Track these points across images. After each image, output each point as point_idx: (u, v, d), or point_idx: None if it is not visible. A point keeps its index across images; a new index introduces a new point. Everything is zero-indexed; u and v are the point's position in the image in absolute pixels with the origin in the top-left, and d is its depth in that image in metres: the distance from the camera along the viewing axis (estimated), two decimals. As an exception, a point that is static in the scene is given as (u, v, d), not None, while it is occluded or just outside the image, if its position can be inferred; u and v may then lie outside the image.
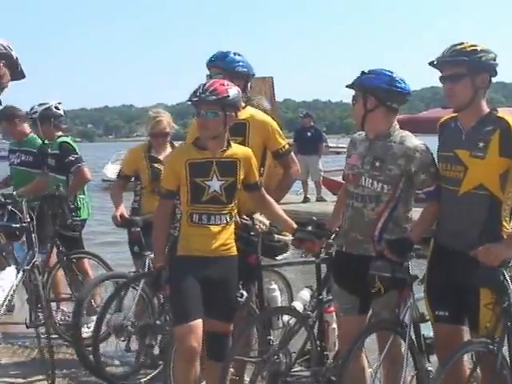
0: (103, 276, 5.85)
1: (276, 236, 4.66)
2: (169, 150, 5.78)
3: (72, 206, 6.09)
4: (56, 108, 6.69)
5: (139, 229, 5.44)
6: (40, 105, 6.66)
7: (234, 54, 4.71)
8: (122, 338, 5.31)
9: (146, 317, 5.34)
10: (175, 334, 4.08)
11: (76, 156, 6.52)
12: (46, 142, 6.73)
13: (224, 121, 4.05)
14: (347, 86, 4.09)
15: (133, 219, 5.57)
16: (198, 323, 3.99)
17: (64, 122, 6.87)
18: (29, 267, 5.03)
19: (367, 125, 4.06)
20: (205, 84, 4.06)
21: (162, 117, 5.85)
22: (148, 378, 5.29)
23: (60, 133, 6.68)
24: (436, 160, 3.99)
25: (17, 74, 4.59)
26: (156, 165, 5.67)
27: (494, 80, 3.87)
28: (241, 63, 4.68)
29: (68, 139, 6.70)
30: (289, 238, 4.71)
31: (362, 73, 4.03)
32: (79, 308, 5.38)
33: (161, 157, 5.71)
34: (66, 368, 5.59)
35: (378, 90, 3.97)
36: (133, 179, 5.94)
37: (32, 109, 6.73)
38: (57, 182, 6.40)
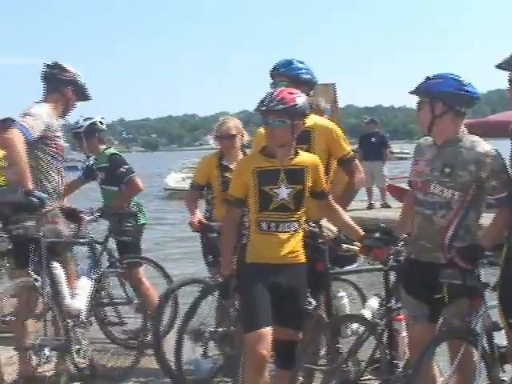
0: (183, 280, 5.81)
1: (345, 246, 4.63)
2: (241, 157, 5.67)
3: (133, 210, 6.42)
4: (100, 123, 6.87)
5: (216, 234, 5.35)
6: (85, 119, 6.79)
7: (298, 61, 4.75)
8: (200, 344, 5.34)
9: (225, 325, 5.36)
10: (245, 341, 4.10)
11: (127, 167, 6.61)
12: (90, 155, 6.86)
13: (292, 129, 4.06)
14: (412, 92, 4.03)
15: (210, 224, 5.51)
16: (268, 331, 3.99)
17: (106, 135, 7.01)
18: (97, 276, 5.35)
19: (435, 131, 3.99)
20: (272, 93, 4.08)
21: (227, 120, 5.84)
22: None
23: (103, 146, 6.81)
24: (509, 164, 3.91)
25: (83, 96, 5.43)
26: (227, 174, 5.57)
27: None
28: (304, 70, 4.71)
29: (116, 151, 6.87)
30: (359, 248, 4.69)
31: (427, 78, 3.98)
32: (159, 315, 5.40)
33: (232, 166, 5.55)
34: (143, 376, 5.66)
35: (446, 95, 3.91)
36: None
37: (77, 123, 6.89)
38: (109, 193, 6.61)
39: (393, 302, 4.51)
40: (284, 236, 4.10)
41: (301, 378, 4.58)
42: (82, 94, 5.47)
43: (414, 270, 4.08)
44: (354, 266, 4.85)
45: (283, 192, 4.09)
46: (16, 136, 4.80)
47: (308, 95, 4.61)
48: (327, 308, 4.61)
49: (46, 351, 4.75)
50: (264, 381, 4.04)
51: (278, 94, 4.05)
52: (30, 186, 4.78)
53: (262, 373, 4.01)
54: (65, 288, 4.99)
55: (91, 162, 6.90)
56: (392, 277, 4.54)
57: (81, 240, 5.39)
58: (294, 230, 4.13)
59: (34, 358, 4.78)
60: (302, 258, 4.20)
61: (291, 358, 4.18)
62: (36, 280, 4.74)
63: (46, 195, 4.86)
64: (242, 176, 4.14)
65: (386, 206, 15.89)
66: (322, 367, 4.57)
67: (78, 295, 5.12)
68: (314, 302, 4.45)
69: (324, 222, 4.51)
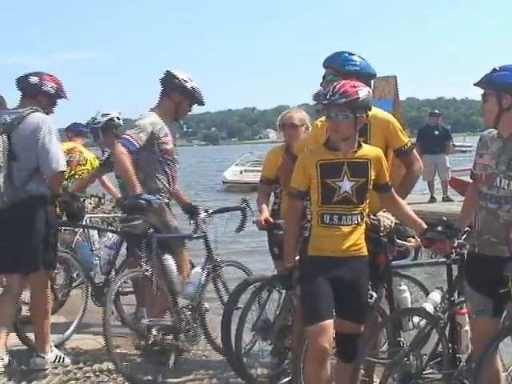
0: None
1: (398, 241, 4.61)
2: None
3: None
4: (117, 118, 7.08)
5: (282, 232, 5.32)
6: (103, 115, 6.99)
7: (349, 53, 4.71)
8: (269, 341, 5.38)
9: (284, 318, 5.39)
10: (307, 333, 4.12)
11: None
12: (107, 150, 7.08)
13: (354, 122, 4.06)
14: (476, 84, 3.98)
15: (277, 223, 5.45)
16: (330, 323, 4.01)
17: (121, 131, 7.05)
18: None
19: (502, 123, 3.93)
20: (335, 86, 4.07)
21: (293, 110, 5.81)
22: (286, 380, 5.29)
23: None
24: None
25: (194, 101, 5.84)
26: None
27: None
28: (352, 62, 4.66)
29: None
30: (410, 243, 4.67)
31: (494, 70, 3.92)
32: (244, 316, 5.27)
33: None
34: (212, 369, 5.74)
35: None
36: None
37: (95, 119, 7.05)
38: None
39: (455, 295, 4.49)
40: (346, 229, 4.10)
41: (362, 371, 4.58)
42: (192, 99, 5.81)
43: (478, 263, 4.05)
44: (409, 259, 4.80)
45: (346, 185, 4.09)
46: (119, 150, 5.49)
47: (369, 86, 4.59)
48: (389, 301, 4.61)
49: (154, 331, 5.31)
50: (325, 373, 4.05)
51: (341, 87, 4.04)
52: (138, 190, 5.42)
53: (323, 365, 4.03)
54: (175, 277, 5.58)
55: (107, 155, 7.18)
56: (455, 270, 4.53)
57: (195, 235, 5.85)
58: (357, 223, 4.13)
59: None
60: (364, 251, 4.20)
61: (353, 350, 4.17)
62: (146, 270, 5.34)
63: (153, 196, 5.44)
64: (305, 168, 4.15)
65: (447, 199, 15.71)
66: (383, 360, 4.55)
67: (190, 283, 5.65)
68: (375, 295, 4.43)
69: (381, 213, 4.50)
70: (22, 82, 5.44)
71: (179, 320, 5.52)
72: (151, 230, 5.43)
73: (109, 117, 7.00)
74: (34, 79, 5.41)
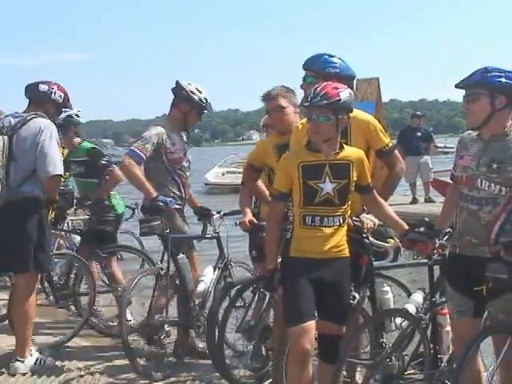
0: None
1: (377, 242, 4.63)
2: None
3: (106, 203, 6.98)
4: (76, 115, 7.13)
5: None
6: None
7: (329, 55, 4.71)
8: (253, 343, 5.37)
9: (267, 319, 5.41)
10: (289, 335, 4.12)
11: (106, 159, 7.01)
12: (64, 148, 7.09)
13: (336, 124, 4.06)
14: (464, 86, 3.96)
15: (261, 224, 5.30)
16: (311, 325, 4.02)
17: (80, 129, 7.31)
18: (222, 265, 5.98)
19: (490, 124, 3.92)
20: (316, 88, 4.08)
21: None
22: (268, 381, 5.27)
23: (78, 139, 7.12)
24: None
25: (202, 111, 6.06)
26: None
27: None
28: (332, 64, 4.65)
29: (93, 144, 7.25)
30: (389, 245, 4.69)
31: (486, 70, 3.90)
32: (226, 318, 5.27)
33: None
34: (195, 370, 5.73)
35: (509, 88, 3.86)
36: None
37: None
38: (88, 185, 7.06)
39: (437, 296, 4.51)
40: (328, 230, 4.11)
41: (344, 373, 4.59)
42: (200, 109, 5.99)
43: (459, 264, 4.06)
44: (387, 261, 4.82)
45: (328, 186, 4.09)
46: (127, 162, 5.67)
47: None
48: (372, 302, 4.62)
49: (166, 327, 5.64)
50: (307, 375, 4.06)
51: (322, 89, 4.05)
52: (153, 194, 5.63)
53: (305, 367, 4.03)
54: (189, 275, 5.80)
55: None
56: (436, 271, 4.55)
57: (207, 235, 6.09)
58: (339, 225, 4.14)
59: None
60: (346, 253, 4.21)
61: (334, 352, 4.18)
62: (161, 269, 5.62)
63: (170, 198, 5.70)
64: (287, 170, 4.15)
65: (429, 200, 15.80)
66: (366, 361, 4.57)
67: (202, 281, 5.80)
68: (357, 297, 4.45)
69: (365, 214, 4.52)
70: (32, 90, 5.60)
71: (191, 317, 5.73)
72: (167, 231, 5.65)
73: (67, 113, 6.96)
74: (43, 87, 5.57)
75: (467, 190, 4.01)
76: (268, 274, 4.22)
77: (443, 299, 4.42)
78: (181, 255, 5.79)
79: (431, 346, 4.44)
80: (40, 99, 5.58)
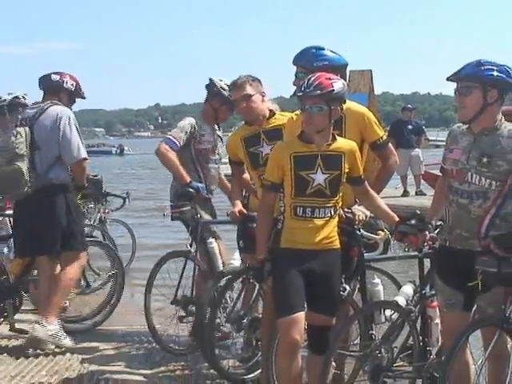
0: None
1: (367, 234, 4.63)
2: None
3: None
4: (23, 97, 7.11)
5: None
6: (9, 94, 7.06)
7: (317, 49, 4.70)
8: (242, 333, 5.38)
9: (256, 310, 5.42)
10: (278, 326, 4.13)
11: None
12: None
13: (329, 115, 4.06)
14: (458, 78, 3.94)
15: (251, 215, 5.29)
16: (301, 316, 4.02)
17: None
18: None
19: (481, 118, 3.92)
20: (310, 78, 4.08)
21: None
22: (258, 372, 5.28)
23: None
24: None
25: (231, 106, 5.88)
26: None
27: None
28: (320, 57, 4.65)
29: None
30: (379, 237, 4.69)
31: (479, 64, 3.89)
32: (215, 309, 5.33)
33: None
34: (184, 360, 5.75)
35: (500, 82, 3.86)
36: None
37: (0, 98, 7.12)
38: None
39: (427, 289, 4.53)
40: (319, 222, 4.11)
41: (333, 364, 4.60)
42: (230, 105, 5.94)
43: (449, 257, 4.07)
44: (377, 253, 4.82)
45: (319, 177, 4.09)
46: (163, 148, 5.87)
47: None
48: (362, 294, 4.63)
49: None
50: (296, 365, 4.07)
51: (315, 80, 4.05)
52: (187, 179, 5.81)
53: (294, 357, 4.04)
54: (217, 258, 5.93)
55: None
56: (427, 263, 4.56)
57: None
58: (330, 216, 4.14)
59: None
60: (337, 244, 4.21)
61: (324, 343, 4.18)
62: (190, 251, 5.86)
63: (202, 185, 5.88)
64: (279, 161, 4.15)
65: (420, 193, 15.84)
66: (355, 353, 4.58)
67: (232, 264, 5.81)
68: (348, 288, 4.45)
69: (356, 206, 4.52)
70: (45, 80, 5.89)
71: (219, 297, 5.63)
72: (198, 216, 5.83)
73: (14, 95, 7.06)
74: (55, 77, 5.87)
75: (457, 183, 4.00)
76: (258, 264, 4.21)
77: (433, 292, 4.44)
78: (210, 239, 5.94)
79: (420, 338, 4.46)
80: (53, 89, 5.84)
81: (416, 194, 15.94)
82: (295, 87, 4.64)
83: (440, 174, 4.29)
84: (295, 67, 4.76)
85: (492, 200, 3.90)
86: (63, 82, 5.87)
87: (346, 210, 4.46)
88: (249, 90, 5.07)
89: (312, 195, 4.09)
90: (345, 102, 4.20)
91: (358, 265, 4.53)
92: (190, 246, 5.91)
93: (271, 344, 4.42)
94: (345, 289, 4.42)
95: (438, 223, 4.33)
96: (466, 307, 4.04)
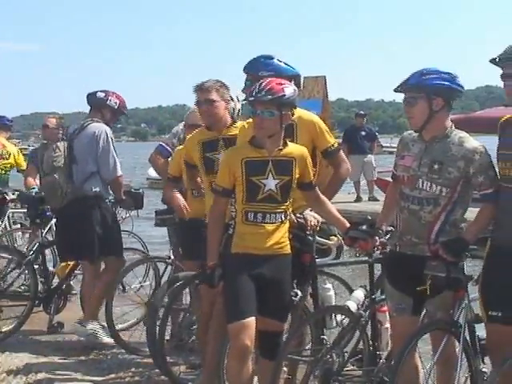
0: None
1: (320, 239, 4.66)
2: None
3: None
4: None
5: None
6: None
7: (265, 58, 4.73)
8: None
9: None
10: (229, 331, 4.11)
11: None
12: None
13: (280, 120, 4.06)
14: (403, 89, 3.99)
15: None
16: (252, 321, 4.02)
17: None
18: None
19: (429, 126, 3.97)
20: (261, 83, 4.08)
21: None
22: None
23: None
24: (496, 159, 3.94)
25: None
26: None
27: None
28: (267, 67, 4.66)
29: None
30: (332, 242, 4.72)
31: (422, 73, 3.94)
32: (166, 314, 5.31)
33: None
34: (135, 366, 5.72)
35: (443, 90, 3.91)
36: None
37: None
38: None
39: (378, 293, 4.56)
40: (270, 227, 4.11)
41: (285, 369, 4.60)
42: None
43: (399, 262, 4.11)
44: (330, 258, 4.85)
45: (271, 183, 4.09)
46: (152, 156, 6.16)
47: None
48: (314, 299, 4.64)
49: None
50: (247, 370, 4.05)
51: (267, 85, 4.05)
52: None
53: (245, 362, 4.03)
54: None
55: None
56: (378, 269, 4.59)
57: None
58: (281, 222, 4.14)
59: None
60: (288, 250, 4.22)
61: (275, 348, 4.19)
62: (170, 257, 6.06)
63: None
64: (230, 166, 4.14)
65: (373, 199, 15.97)
66: (306, 358, 4.59)
67: None
68: (300, 294, 4.46)
69: (308, 211, 4.54)
70: (91, 97, 6.31)
71: None
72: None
73: None
74: (100, 94, 6.28)
75: (408, 189, 4.05)
76: (209, 270, 4.18)
77: (383, 297, 4.47)
78: None
79: (370, 342, 4.49)
80: (98, 105, 6.25)
81: (369, 199, 16.07)
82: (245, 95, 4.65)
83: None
84: (245, 75, 4.77)
85: (442, 206, 3.96)
86: (107, 99, 6.24)
87: (297, 215, 4.48)
88: (213, 95, 4.97)
89: (263, 200, 4.10)
90: (296, 108, 4.21)
91: (309, 270, 4.54)
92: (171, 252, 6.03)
93: (221, 350, 4.40)
94: (296, 294, 4.42)
95: (389, 229, 4.36)
96: (415, 312, 4.09)
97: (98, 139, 6.06)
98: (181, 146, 5.60)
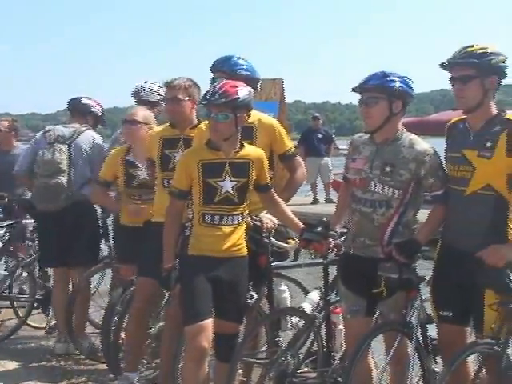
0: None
1: (277, 242, 4.68)
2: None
3: None
4: None
5: None
6: None
7: (237, 57, 4.76)
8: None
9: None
10: (185, 333, 4.11)
11: None
12: None
13: (235, 122, 4.07)
14: (364, 90, 4.01)
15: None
16: (209, 323, 4.03)
17: None
18: None
19: (385, 128, 4.01)
20: (215, 86, 4.09)
21: (138, 107, 5.47)
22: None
23: None
24: (444, 161, 4.01)
25: None
26: (131, 170, 5.35)
27: (504, 82, 3.90)
28: (244, 67, 4.72)
29: None
30: (290, 245, 4.74)
31: (384, 75, 3.98)
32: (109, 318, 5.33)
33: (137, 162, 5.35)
34: (88, 373, 5.66)
35: (403, 94, 3.97)
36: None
37: None
38: None
39: (333, 295, 4.59)
40: (227, 229, 4.12)
41: (240, 371, 4.61)
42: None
43: (353, 264, 4.14)
44: (288, 261, 4.88)
45: (227, 185, 4.11)
46: None
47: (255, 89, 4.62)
48: (269, 301, 4.66)
49: None
50: (203, 373, 4.05)
51: (221, 88, 4.06)
52: None
53: (201, 364, 4.03)
54: None
55: None
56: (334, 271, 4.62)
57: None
58: (237, 223, 4.16)
59: None
60: (244, 252, 4.23)
61: (231, 350, 4.19)
62: None
63: None
64: (187, 168, 4.14)
65: (329, 201, 16.06)
66: (262, 360, 4.60)
67: None
68: (255, 296, 4.47)
69: (264, 214, 4.56)
70: (75, 103, 6.32)
71: None
72: None
73: None
74: (85, 101, 6.33)
75: (360, 192, 4.09)
76: (165, 272, 4.18)
77: (337, 298, 4.50)
78: None
79: (325, 344, 4.53)
80: (82, 111, 6.27)
81: (325, 201, 16.18)
82: None
83: None
84: (212, 74, 4.77)
85: (394, 208, 4.00)
86: (92, 106, 6.29)
87: (253, 217, 4.49)
88: (181, 93, 4.85)
89: (220, 203, 4.10)
90: (251, 110, 4.22)
91: (265, 272, 4.56)
92: None
93: (177, 352, 4.40)
94: (252, 296, 4.44)
95: (344, 230, 4.39)
96: (368, 313, 4.13)
97: (95, 146, 6.04)
98: (118, 148, 5.53)
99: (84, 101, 6.33)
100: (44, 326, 6.48)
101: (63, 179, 5.85)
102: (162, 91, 5.63)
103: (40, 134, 6.18)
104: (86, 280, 5.99)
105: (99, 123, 6.49)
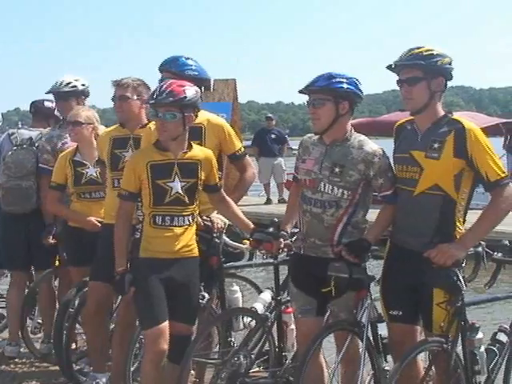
0: None
1: (232, 243, 4.68)
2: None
3: None
4: None
5: None
6: None
7: (186, 58, 4.75)
8: None
9: None
10: (145, 337, 4.09)
11: None
12: None
13: (183, 122, 4.05)
14: (311, 91, 4.03)
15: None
16: (166, 325, 4.02)
17: None
18: None
19: (333, 129, 4.03)
20: (162, 86, 4.06)
21: (80, 108, 5.51)
22: None
23: None
24: (392, 162, 4.05)
25: None
26: (79, 169, 5.33)
27: (453, 84, 3.96)
28: (192, 67, 4.71)
29: None
30: (245, 246, 4.75)
31: (330, 76, 3.99)
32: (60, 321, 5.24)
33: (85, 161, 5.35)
34: (44, 376, 5.57)
35: (350, 95, 3.99)
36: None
37: None
38: None
39: (284, 295, 4.61)
40: (179, 230, 4.11)
41: (193, 372, 4.60)
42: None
43: (303, 264, 4.16)
44: (243, 261, 4.89)
45: (177, 186, 4.09)
46: None
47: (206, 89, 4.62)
48: (221, 302, 4.66)
49: None
50: (161, 375, 4.06)
51: (168, 87, 4.04)
52: None
53: (159, 367, 4.04)
54: None
55: None
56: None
57: None
58: (188, 224, 4.14)
59: None
60: (196, 252, 4.22)
61: (183, 352, 4.17)
62: None
63: None
64: (135, 170, 4.11)
65: (283, 201, 16.08)
66: (214, 361, 4.60)
67: None
68: (207, 296, 4.47)
69: (215, 214, 4.55)
70: (37, 106, 6.30)
71: None
72: None
73: None
74: (48, 104, 6.26)
75: (310, 193, 4.10)
76: (118, 276, 4.12)
77: (288, 298, 4.52)
78: None
79: (276, 343, 4.54)
80: (45, 114, 6.24)
81: (279, 201, 16.20)
82: None
83: None
84: (160, 74, 4.74)
85: (344, 208, 4.03)
86: (55, 109, 6.16)
87: (204, 217, 4.48)
88: (129, 92, 4.84)
89: (171, 203, 4.09)
90: (199, 110, 4.21)
91: (216, 272, 4.56)
92: None
93: (128, 354, 4.37)
94: (204, 296, 4.44)
95: (295, 230, 4.41)
96: (319, 313, 4.15)
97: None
98: (67, 150, 5.45)
99: (47, 104, 6.28)
100: None
101: (34, 182, 5.78)
102: (78, 83, 5.83)
103: (4, 135, 6.12)
104: (49, 283, 5.93)
105: (60, 126, 6.20)
